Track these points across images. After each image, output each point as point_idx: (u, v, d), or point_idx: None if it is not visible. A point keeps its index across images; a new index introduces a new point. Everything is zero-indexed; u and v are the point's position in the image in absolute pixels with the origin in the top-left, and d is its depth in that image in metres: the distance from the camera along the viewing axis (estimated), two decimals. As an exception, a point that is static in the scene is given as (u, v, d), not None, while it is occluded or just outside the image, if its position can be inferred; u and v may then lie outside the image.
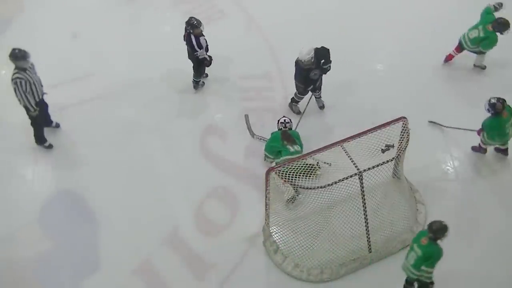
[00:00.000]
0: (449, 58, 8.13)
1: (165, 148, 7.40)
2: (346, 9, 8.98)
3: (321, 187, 5.68)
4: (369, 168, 5.76)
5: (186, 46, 7.58)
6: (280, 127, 7.09)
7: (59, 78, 8.07)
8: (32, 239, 6.55)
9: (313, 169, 6.48)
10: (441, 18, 8.72)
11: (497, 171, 7.02)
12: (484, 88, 7.72)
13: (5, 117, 7.73)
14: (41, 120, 7.15)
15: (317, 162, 6.62)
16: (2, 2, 9.20)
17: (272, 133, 7.14)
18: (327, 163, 6.52)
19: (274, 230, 6.41)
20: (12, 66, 6.77)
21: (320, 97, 7.64)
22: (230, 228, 6.66)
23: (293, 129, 7.19)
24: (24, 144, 7.41)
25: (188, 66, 8.03)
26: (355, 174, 5.72)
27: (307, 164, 6.19)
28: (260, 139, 7.33)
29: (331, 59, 7.12)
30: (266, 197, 6.07)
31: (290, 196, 6.51)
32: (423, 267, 5.50)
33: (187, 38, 7.51)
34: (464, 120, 7.37)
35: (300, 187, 5.79)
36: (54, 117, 7.54)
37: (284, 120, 7.13)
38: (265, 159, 7.11)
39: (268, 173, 5.83)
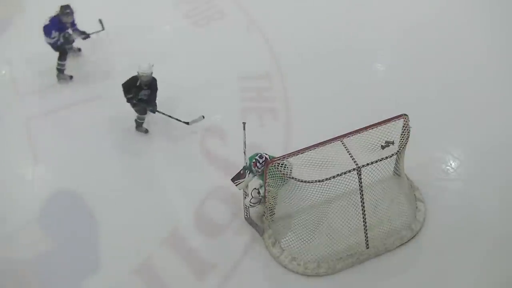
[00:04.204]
0: None
1: (165, 148, 7.40)
2: (346, 9, 8.98)
3: (319, 181, 5.70)
4: (367, 164, 5.78)
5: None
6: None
7: (59, 78, 8.11)
8: (32, 239, 6.54)
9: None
10: (442, 18, 8.73)
11: (497, 170, 7.01)
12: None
13: (5, 117, 7.74)
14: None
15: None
16: (2, 3, 9.20)
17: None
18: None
19: (272, 223, 6.44)
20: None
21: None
22: (230, 228, 6.66)
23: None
24: (24, 144, 7.42)
25: (187, 66, 8.07)
26: (354, 169, 5.74)
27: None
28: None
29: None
30: (264, 190, 6.09)
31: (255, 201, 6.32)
32: None
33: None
34: (463, 118, 7.41)
35: (299, 181, 5.81)
36: (54, 117, 7.57)
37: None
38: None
39: (267, 166, 5.85)
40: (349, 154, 5.81)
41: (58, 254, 6.48)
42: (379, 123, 5.99)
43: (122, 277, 6.31)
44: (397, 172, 6.49)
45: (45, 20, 7.61)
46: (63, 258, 6.46)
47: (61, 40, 7.70)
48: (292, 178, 5.89)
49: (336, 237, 6.24)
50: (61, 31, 7.65)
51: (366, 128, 5.97)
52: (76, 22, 7.79)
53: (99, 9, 9.00)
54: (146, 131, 7.56)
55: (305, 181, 5.77)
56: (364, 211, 6.02)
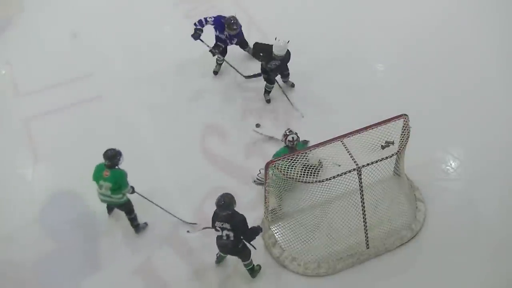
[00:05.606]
0: None
1: (165, 148, 7.40)
2: (347, 10, 8.98)
3: (319, 181, 5.71)
4: (367, 164, 5.78)
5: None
6: (287, 144, 6.56)
7: (59, 77, 8.11)
8: (32, 239, 6.54)
9: (316, 169, 6.24)
10: (441, 18, 8.74)
11: (497, 171, 7.01)
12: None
13: (5, 116, 7.74)
14: None
15: (319, 161, 6.49)
16: (2, 3, 9.20)
17: (279, 151, 6.67)
18: (331, 162, 6.32)
19: (273, 223, 6.45)
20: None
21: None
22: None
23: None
24: (24, 144, 7.42)
25: (188, 66, 8.08)
26: (354, 169, 5.74)
27: (309, 166, 6.09)
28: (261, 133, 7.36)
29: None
30: (265, 190, 6.09)
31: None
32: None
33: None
34: (463, 118, 7.42)
35: (299, 181, 5.81)
36: (54, 117, 7.59)
37: (292, 138, 6.52)
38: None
39: (267, 166, 5.85)
40: (349, 154, 5.81)
41: (58, 254, 6.48)
42: (379, 123, 6.00)
43: (122, 277, 6.31)
44: (397, 172, 6.48)
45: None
46: (63, 258, 6.47)
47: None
48: (292, 178, 5.89)
49: (336, 237, 6.25)
50: (216, 29, 7.74)
51: (366, 128, 5.97)
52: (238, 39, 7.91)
53: (99, 9, 9.05)
54: (269, 101, 7.83)
55: (305, 182, 5.77)
56: (364, 211, 6.02)
